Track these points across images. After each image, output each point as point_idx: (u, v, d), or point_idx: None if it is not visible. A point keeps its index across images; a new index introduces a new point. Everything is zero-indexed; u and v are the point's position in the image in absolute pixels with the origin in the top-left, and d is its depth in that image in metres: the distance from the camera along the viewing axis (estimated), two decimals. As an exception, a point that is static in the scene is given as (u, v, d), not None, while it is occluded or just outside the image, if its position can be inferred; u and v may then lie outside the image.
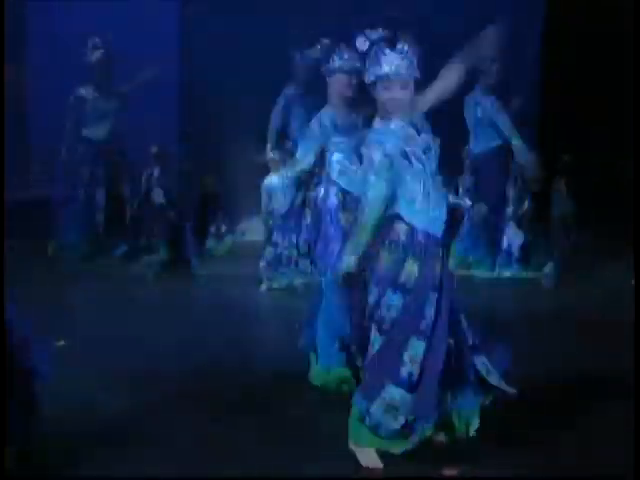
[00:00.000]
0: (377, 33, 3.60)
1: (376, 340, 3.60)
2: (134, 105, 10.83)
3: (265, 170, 8.47)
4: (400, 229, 3.61)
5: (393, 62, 3.54)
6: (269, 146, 8.71)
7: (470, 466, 3.68)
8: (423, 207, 3.62)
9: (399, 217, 3.61)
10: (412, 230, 3.59)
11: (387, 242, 3.61)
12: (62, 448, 3.88)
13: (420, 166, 3.60)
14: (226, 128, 11.56)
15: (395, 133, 3.61)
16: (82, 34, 10.96)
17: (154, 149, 8.82)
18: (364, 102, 4.46)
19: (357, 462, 3.70)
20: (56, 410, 4.24)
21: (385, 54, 3.55)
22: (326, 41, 4.89)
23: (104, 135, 10.45)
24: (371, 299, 3.62)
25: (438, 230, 3.65)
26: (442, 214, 3.68)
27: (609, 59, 10.29)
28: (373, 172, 3.56)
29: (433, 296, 3.59)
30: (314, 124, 4.96)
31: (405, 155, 3.59)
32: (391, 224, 3.62)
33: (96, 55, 10.14)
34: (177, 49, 11.87)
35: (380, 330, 3.58)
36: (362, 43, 3.60)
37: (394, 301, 3.56)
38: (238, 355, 5.65)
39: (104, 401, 4.57)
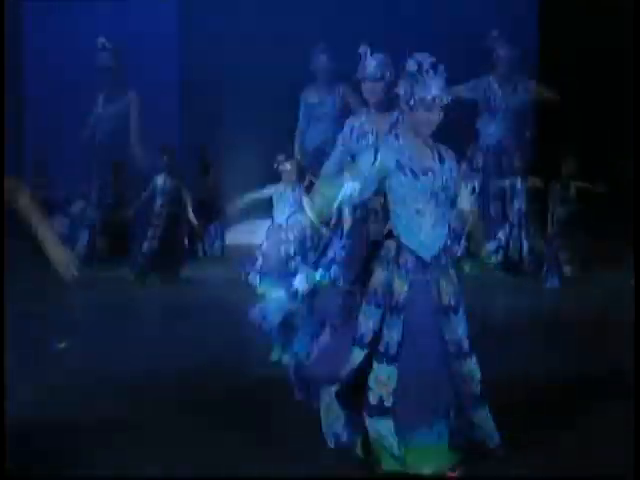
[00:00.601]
0: (428, 57, 3.66)
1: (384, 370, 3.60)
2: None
3: (266, 173, 8.41)
4: (390, 245, 3.65)
5: (439, 86, 3.61)
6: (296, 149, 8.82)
7: (471, 466, 3.68)
8: (414, 228, 3.64)
9: (391, 233, 3.66)
10: (399, 249, 3.63)
11: (381, 258, 3.66)
12: (62, 448, 3.88)
13: (416, 184, 3.63)
14: (228, 130, 11.58)
15: (398, 148, 3.67)
16: (80, 34, 11.00)
17: (160, 151, 8.76)
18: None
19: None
20: (55, 410, 4.25)
21: (432, 78, 3.61)
22: (364, 48, 4.90)
23: (107, 138, 10.48)
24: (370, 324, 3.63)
25: (427, 254, 3.65)
26: (436, 239, 3.67)
27: (609, 59, 10.28)
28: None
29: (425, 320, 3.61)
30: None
31: (400, 168, 3.64)
32: (385, 240, 3.67)
33: (105, 58, 10.11)
34: (176, 50, 11.89)
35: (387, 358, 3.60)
36: (412, 65, 3.64)
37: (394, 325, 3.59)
38: (235, 357, 5.66)
39: (101, 402, 4.56)
